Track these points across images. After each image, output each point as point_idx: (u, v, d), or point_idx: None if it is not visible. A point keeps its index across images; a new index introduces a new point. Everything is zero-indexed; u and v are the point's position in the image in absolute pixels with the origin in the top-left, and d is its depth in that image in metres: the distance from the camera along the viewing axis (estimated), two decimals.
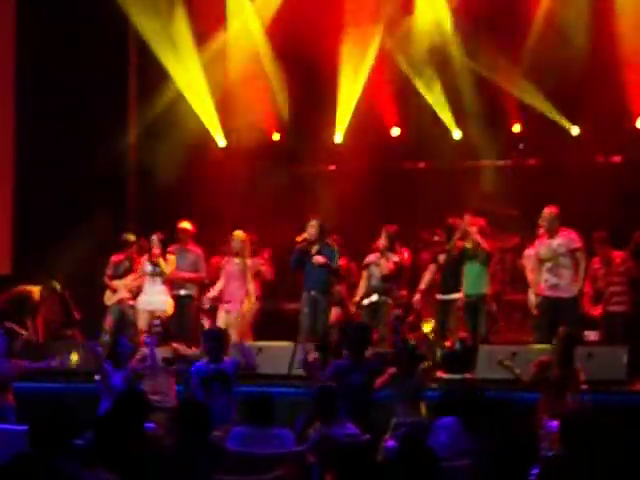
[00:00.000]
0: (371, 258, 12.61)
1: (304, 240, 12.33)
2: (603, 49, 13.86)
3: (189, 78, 15.00)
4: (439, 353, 11.71)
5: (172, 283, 12.89)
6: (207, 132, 15.33)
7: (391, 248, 12.55)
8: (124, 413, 6.24)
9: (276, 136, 15.81)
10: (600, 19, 13.99)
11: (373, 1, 15.02)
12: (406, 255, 12.81)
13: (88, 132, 14.46)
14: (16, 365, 10.11)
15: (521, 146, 15.61)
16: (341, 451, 6.12)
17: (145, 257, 12.88)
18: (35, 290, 13.04)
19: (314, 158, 15.59)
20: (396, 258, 12.54)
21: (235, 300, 12.60)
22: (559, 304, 11.57)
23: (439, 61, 14.70)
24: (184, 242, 13.14)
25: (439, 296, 12.41)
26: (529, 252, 12.15)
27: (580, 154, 14.73)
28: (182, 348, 10.25)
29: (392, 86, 14.97)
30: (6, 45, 15.05)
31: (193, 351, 10.36)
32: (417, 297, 12.61)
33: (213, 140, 15.46)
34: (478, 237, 12.13)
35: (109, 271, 13.27)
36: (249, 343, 11.68)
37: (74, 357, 11.18)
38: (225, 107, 15.32)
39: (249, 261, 12.74)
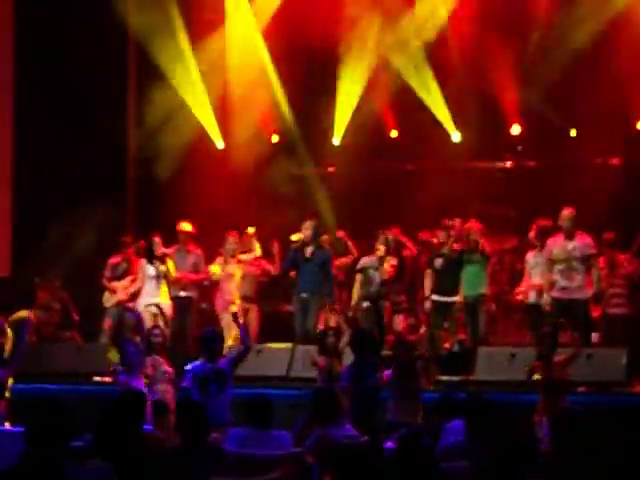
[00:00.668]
0: (365, 261, 12.56)
1: (298, 241, 12.35)
2: (603, 49, 13.88)
3: (189, 79, 15.01)
4: (438, 354, 11.72)
5: (171, 285, 12.87)
6: (207, 133, 15.34)
7: (389, 252, 12.53)
8: (124, 413, 6.23)
9: (275, 138, 15.82)
10: (600, 19, 14.00)
11: (373, 1, 15.03)
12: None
13: (88, 133, 14.45)
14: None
15: (519, 148, 15.63)
16: (340, 452, 6.11)
17: (144, 259, 12.80)
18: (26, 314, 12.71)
19: (313, 160, 15.60)
20: (394, 261, 12.52)
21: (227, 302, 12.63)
22: (568, 306, 11.48)
23: (437, 61, 14.71)
24: (184, 243, 13.13)
25: (435, 297, 12.36)
26: (530, 256, 12.14)
27: (578, 156, 14.75)
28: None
29: (391, 88, 14.98)
30: (6, 45, 15.04)
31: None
32: (427, 305, 12.37)
33: (213, 141, 15.46)
34: (479, 238, 12.10)
35: (107, 273, 13.24)
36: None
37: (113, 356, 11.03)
38: (224, 108, 15.33)
39: (241, 264, 12.76)
